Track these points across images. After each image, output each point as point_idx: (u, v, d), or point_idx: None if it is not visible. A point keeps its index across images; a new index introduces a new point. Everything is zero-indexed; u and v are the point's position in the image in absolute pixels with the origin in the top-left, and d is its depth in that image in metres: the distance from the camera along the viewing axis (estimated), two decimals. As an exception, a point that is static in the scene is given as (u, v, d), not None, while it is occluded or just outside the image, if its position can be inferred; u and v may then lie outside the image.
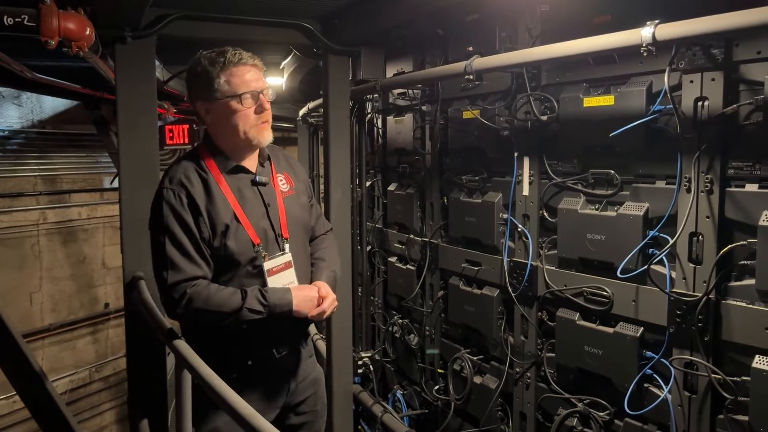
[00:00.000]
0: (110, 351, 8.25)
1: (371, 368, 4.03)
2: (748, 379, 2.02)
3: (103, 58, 3.18)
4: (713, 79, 2.10)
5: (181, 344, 1.92)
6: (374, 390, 4.00)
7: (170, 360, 2.79)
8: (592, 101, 2.53)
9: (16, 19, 2.25)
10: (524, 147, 2.94)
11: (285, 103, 6.36)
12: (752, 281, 2.04)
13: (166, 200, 1.91)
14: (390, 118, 4.16)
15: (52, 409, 3.02)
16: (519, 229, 2.97)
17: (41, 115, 7.36)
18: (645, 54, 1.99)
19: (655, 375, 2.35)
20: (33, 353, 3.06)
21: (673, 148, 2.25)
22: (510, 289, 2.97)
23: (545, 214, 2.87)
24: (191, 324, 2.02)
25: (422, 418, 3.87)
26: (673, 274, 2.27)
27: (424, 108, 3.75)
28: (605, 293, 2.51)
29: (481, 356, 3.35)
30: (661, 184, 2.35)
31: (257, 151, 2.08)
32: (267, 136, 2.03)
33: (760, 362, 1.98)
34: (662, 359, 2.30)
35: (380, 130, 4.36)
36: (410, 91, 3.83)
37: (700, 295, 2.14)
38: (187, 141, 6.23)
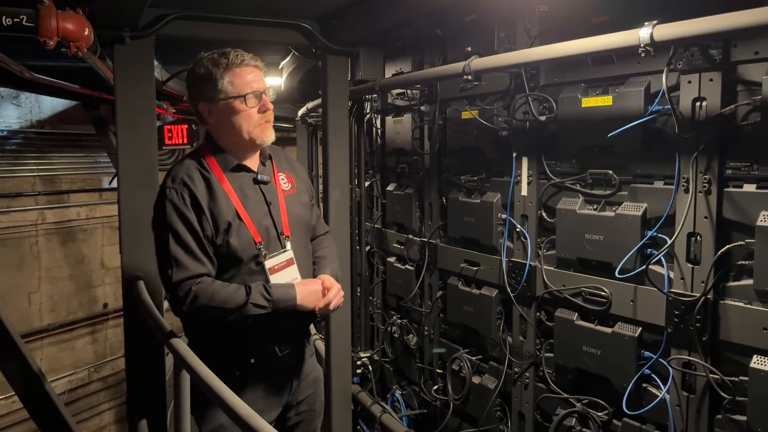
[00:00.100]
0: (109, 351, 8.24)
1: (370, 368, 4.03)
2: (746, 379, 2.02)
3: (102, 58, 3.19)
4: (711, 80, 2.10)
5: (180, 344, 1.92)
6: (373, 390, 4.00)
7: (169, 360, 2.79)
8: (590, 101, 2.53)
9: (15, 20, 2.25)
10: (523, 147, 2.94)
11: (284, 104, 6.35)
12: (750, 281, 2.04)
13: (169, 199, 1.92)
14: (389, 119, 4.16)
15: (51, 410, 3.03)
16: (517, 229, 2.97)
17: (40, 115, 7.36)
18: (643, 54, 1.98)
19: (653, 375, 2.35)
20: (32, 353, 3.07)
21: (671, 149, 2.25)
22: (508, 289, 2.97)
23: (544, 214, 2.87)
24: (196, 322, 2.02)
25: (421, 418, 3.87)
26: (671, 275, 2.27)
27: (422, 108, 3.75)
28: (603, 293, 2.51)
29: (480, 356, 3.35)
30: (659, 184, 2.35)
31: (259, 151, 2.09)
32: (270, 136, 2.05)
33: (757, 362, 1.99)
34: (660, 359, 2.30)
35: (379, 131, 4.35)
36: (409, 92, 3.82)
37: (698, 295, 2.14)
38: (185, 141, 6.24)
